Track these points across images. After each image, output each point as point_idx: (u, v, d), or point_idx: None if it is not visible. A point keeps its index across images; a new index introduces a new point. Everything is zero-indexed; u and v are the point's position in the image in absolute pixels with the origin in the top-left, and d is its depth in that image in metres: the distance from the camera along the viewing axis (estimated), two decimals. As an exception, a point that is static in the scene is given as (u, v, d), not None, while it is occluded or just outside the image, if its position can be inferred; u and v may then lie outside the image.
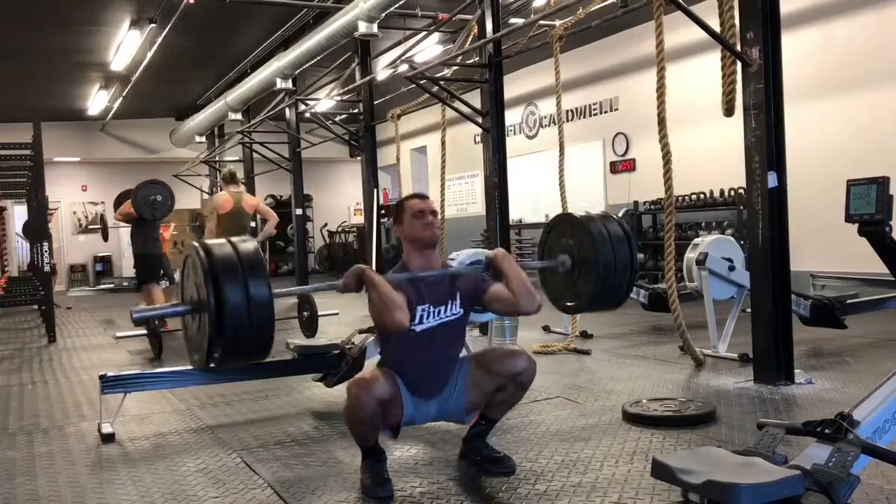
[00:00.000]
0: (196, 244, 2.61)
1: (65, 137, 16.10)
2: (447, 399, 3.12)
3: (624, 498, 2.79)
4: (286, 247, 18.20)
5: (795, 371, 4.60)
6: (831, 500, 2.03)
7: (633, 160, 11.44)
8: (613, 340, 6.53)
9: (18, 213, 16.00)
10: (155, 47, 10.67)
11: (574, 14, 6.47)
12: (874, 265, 3.00)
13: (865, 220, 2.61)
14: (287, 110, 12.24)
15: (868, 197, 2.59)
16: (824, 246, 7.98)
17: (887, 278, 4.76)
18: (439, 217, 3.26)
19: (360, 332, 4.42)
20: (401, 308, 2.85)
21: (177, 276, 10.94)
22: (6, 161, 9.33)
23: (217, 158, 15.85)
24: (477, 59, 7.62)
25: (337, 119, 12.77)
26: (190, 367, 4.73)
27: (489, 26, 7.25)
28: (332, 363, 4.49)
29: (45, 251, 9.29)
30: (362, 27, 8.04)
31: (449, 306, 3.08)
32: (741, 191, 8.67)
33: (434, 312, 3.05)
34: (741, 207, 8.93)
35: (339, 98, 12.00)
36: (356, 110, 12.07)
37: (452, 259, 4.91)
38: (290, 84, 10.96)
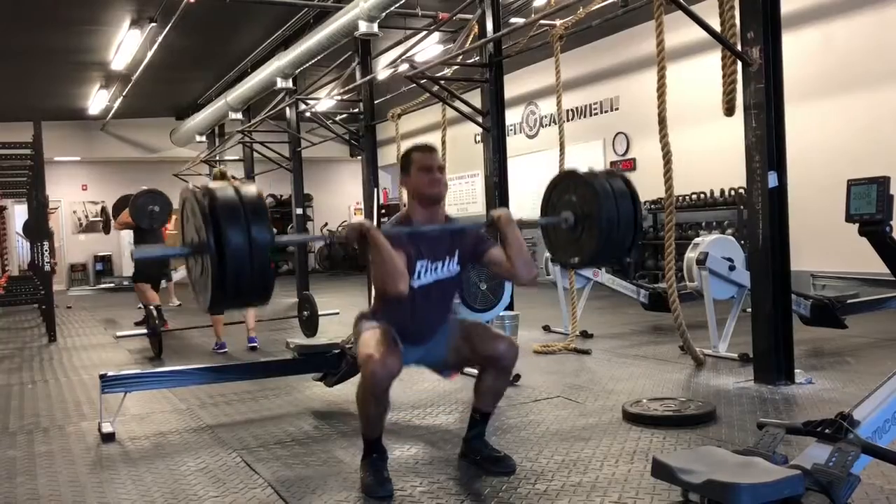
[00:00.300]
0: (195, 188, 2.56)
1: (65, 137, 16.10)
2: (432, 348, 3.17)
3: (624, 497, 2.79)
4: (286, 246, 18.19)
5: (796, 371, 4.60)
6: (831, 500, 2.03)
7: (634, 160, 11.45)
8: (613, 340, 6.53)
9: (19, 213, 16.01)
10: (155, 47, 10.67)
11: (574, 14, 6.46)
12: (874, 265, 3.01)
13: (866, 220, 2.61)
14: (287, 110, 12.23)
15: (868, 197, 2.60)
16: (825, 246, 7.98)
17: (888, 278, 4.77)
18: (446, 172, 3.23)
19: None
20: (402, 276, 2.86)
21: (176, 274, 10.96)
22: (6, 160, 9.33)
23: (217, 158, 15.84)
24: (477, 58, 7.61)
25: (337, 118, 12.75)
26: (190, 367, 4.76)
27: (489, 26, 7.25)
28: (332, 363, 4.49)
29: (46, 250, 9.29)
30: (363, 27, 8.03)
31: (446, 263, 3.09)
32: (741, 190, 8.68)
33: (432, 268, 3.05)
34: (741, 207, 8.93)
35: (339, 97, 11.99)
36: (356, 110, 12.06)
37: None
38: (290, 83, 10.96)
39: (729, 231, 9.08)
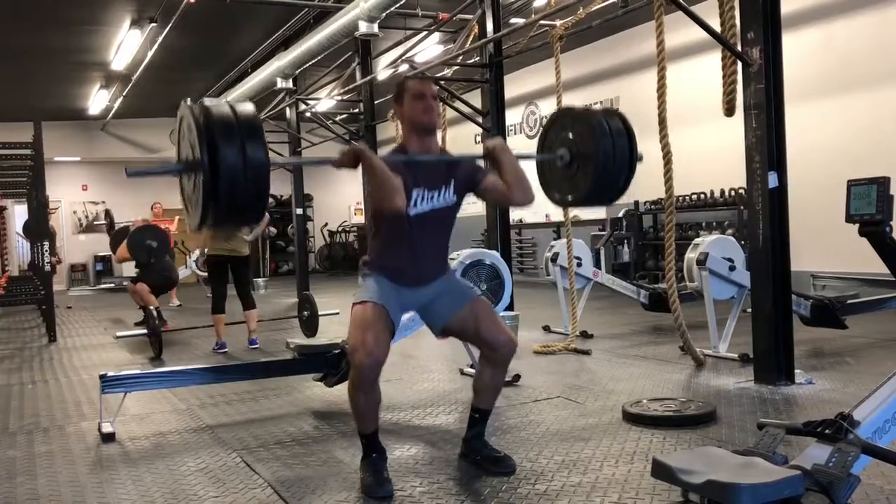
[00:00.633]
0: (190, 104, 2.53)
1: (65, 137, 16.10)
2: (435, 304, 3.12)
3: (624, 498, 2.79)
4: (286, 246, 18.22)
5: (796, 371, 4.60)
6: (831, 501, 2.03)
7: (634, 160, 11.43)
8: (614, 340, 6.53)
9: (19, 213, 16.01)
10: (155, 47, 10.67)
11: (574, 14, 6.46)
12: (874, 265, 3.01)
13: (866, 221, 2.61)
14: (287, 110, 12.23)
15: (868, 197, 2.60)
16: (825, 246, 7.98)
17: (888, 278, 4.76)
18: (439, 102, 3.22)
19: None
20: (399, 192, 2.85)
21: (180, 273, 10.95)
22: (7, 160, 9.33)
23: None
24: (477, 58, 7.62)
25: (337, 119, 12.76)
26: (190, 367, 4.76)
27: (490, 26, 7.25)
28: (332, 363, 4.50)
29: (46, 250, 9.29)
30: (363, 27, 8.03)
31: (443, 192, 3.07)
32: (742, 191, 8.68)
33: (428, 197, 3.04)
34: (742, 207, 8.93)
35: (339, 98, 12.00)
36: (357, 110, 12.06)
37: (452, 259, 4.91)
38: (290, 84, 10.96)
39: (729, 231, 9.08)
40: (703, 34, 4.70)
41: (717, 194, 9.66)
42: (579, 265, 6.85)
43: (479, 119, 7.48)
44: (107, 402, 4.22)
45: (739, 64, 4.59)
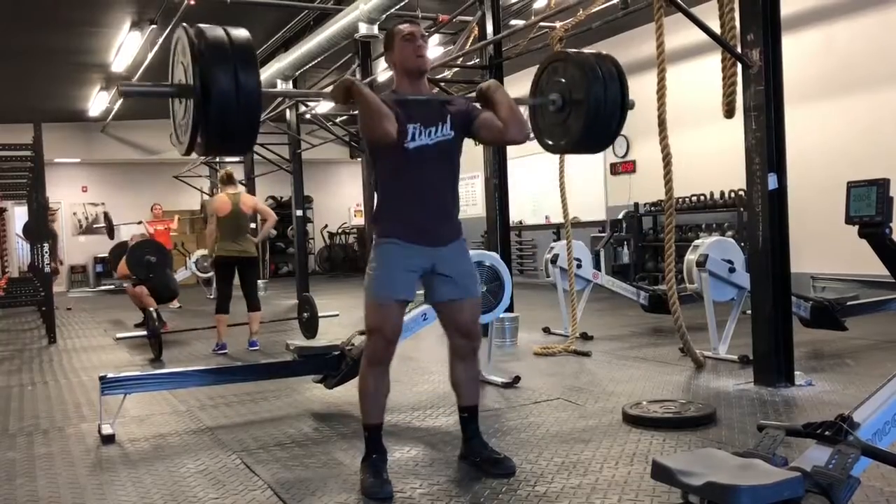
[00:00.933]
0: (186, 27, 2.52)
1: (65, 138, 16.09)
2: (440, 275, 3.08)
3: (624, 500, 2.79)
4: (286, 248, 18.22)
5: (795, 373, 4.59)
6: (831, 502, 2.02)
7: (634, 162, 11.45)
8: (613, 342, 6.53)
9: (19, 214, 16.00)
10: (156, 48, 10.68)
11: (574, 16, 6.46)
12: (874, 267, 3.00)
13: (865, 222, 2.61)
14: (287, 111, 12.23)
15: (868, 199, 2.59)
16: (824, 248, 7.98)
17: (887, 280, 4.75)
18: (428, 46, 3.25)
19: (361, 333, 4.42)
20: (387, 117, 2.87)
21: (177, 276, 10.96)
22: (7, 162, 9.35)
23: (218, 159, 15.85)
24: (477, 60, 7.63)
25: (337, 120, 12.77)
26: (190, 369, 4.76)
27: (490, 28, 7.25)
28: (332, 364, 4.50)
29: (47, 251, 9.29)
30: (363, 29, 8.04)
31: (440, 127, 3.07)
32: (741, 192, 8.68)
33: (425, 132, 3.04)
34: (741, 209, 8.93)
35: (339, 99, 11.99)
36: (356, 111, 12.08)
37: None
38: (290, 85, 10.97)
39: (729, 233, 9.08)
40: (703, 36, 4.70)
41: (716, 196, 9.67)
42: (579, 267, 6.85)
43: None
44: (106, 403, 4.22)
45: (739, 66, 4.59)
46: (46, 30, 10.51)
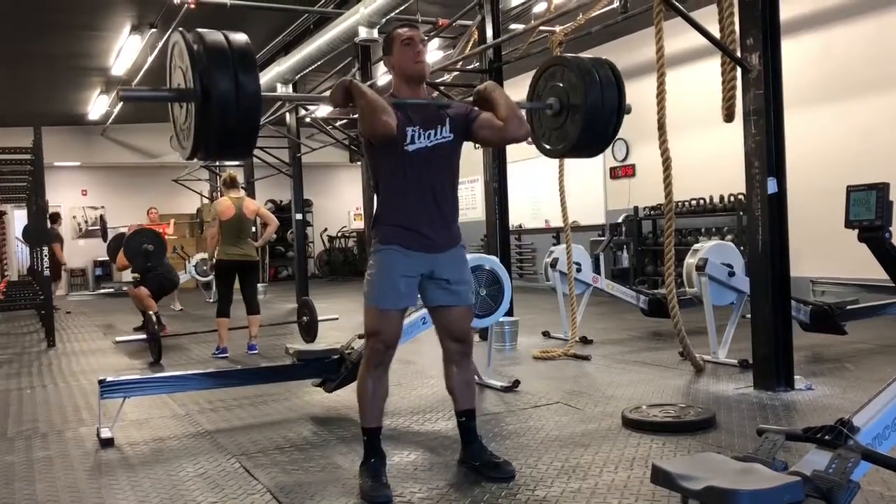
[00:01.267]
0: (183, 31, 2.51)
1: (65, 142, 16.11)
2: (437, 281, 3.09)
3: (623, 504, 2.79)
4: (286, 251, 18.22)
5: (795, 377, 4.59)
6: (831, 507, 2.02)
7: (633, 166, 11.46)
8: (613, 346, 6.52)
9: (18, 217, 16.00)
10: (156, 52, 10.69)
11: (574, 20, 6.48)
12: (874, 271, 3.01)
13: (865, 226, 2.61)
14: (287, 115, 12.24)
15: (868, 203, 2.60)
16: (824, 252, 7.99)
17: (887, 284, 4.76)
18: (428, 53, 3.23)
19: (360, 336, 4.42)
20: (387, 111, 2.87)
21: (183, 277, 10.96)
22: (7, 165, 9.34)
23: (217, 163, 15.85)
24: (477, 64, 7.64)
25: (337, 124, 12.77)
26: (189, 372, 4.76)
27: (489, 32, 7.26)
28: (331, 368, 4.50)
29: (46, 255, 9.29)
30: (363, 32, 8.05)
31: (439, 130, 3.08)
32: (741, 196, 8.69)
33: (424, 135, 3.05)
34: (741, 213, 8.94)
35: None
36: (356, 115, 12.09)
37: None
38: (290, 89, 10.98)
39: (728, 237, 9.08)
40: (703, 40, 4.71)
41: (716, 200, 9.67)
42: (579, 270, 6.85)
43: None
44: (105, 407, 4.22)
45: (739, 70, 4.59)
46: (47, 34, 10.52)
